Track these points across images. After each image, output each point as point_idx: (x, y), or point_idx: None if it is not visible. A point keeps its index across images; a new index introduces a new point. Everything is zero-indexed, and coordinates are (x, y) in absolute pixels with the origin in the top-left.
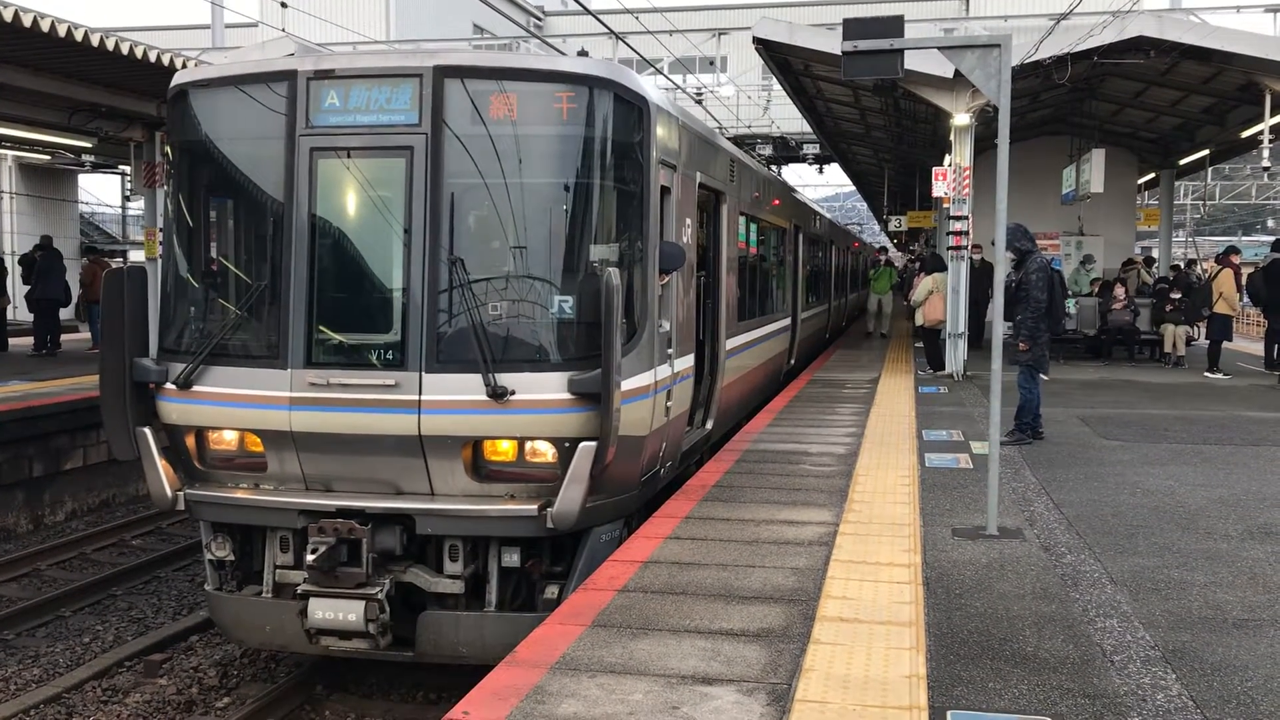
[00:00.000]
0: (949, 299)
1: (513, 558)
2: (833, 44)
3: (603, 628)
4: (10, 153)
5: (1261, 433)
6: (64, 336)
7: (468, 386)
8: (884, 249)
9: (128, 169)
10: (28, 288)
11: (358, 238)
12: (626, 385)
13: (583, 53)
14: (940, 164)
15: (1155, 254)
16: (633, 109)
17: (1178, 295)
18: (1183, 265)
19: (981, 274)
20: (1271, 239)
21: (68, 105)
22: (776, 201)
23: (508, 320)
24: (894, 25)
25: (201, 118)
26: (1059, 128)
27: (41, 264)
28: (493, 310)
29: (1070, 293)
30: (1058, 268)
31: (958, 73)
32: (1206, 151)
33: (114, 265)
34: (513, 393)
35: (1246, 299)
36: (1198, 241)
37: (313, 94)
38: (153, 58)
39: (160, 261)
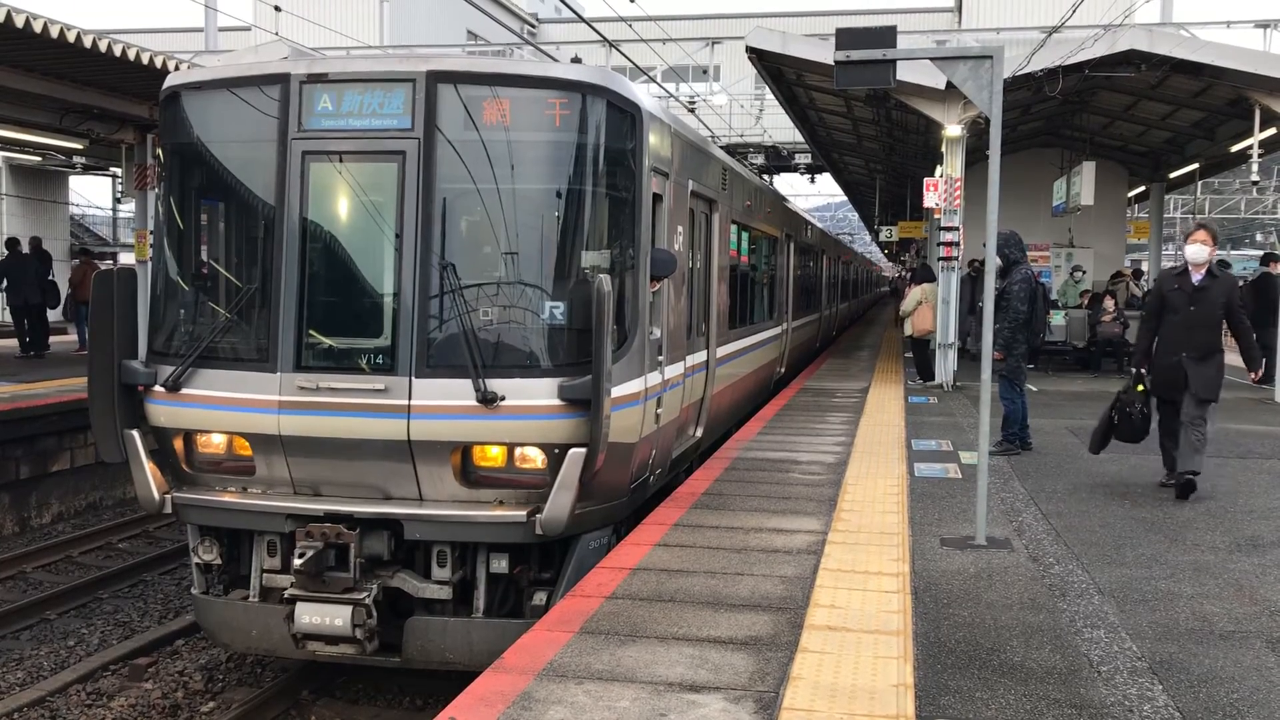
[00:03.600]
0: (939, 309)
1: (501, 564)
2: (826, 54)
3: (590, 634)
4: (0, 153)
5: (1248, 445)
6: (52, 338)
7: (457, 392)
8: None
9: (119, 171)
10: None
11: (349, 242)
12: (617, 392)
13: (576, 60)
14: (932, 175)
15: (1145, 267)
16: (625, 116)
17: None
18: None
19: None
20: (1260, 253)
21: (59, 107)
22: (768, 210)
23: (498, 326)
24: (887, 36)
25: (194, 120)
26: (1050, 140)
27: (13, 266)
28: (483, 316)
29: (1059, 305)
30: (1047, 279)
31: (950, 84)
32: (1196, 165)
33: (103, 267)
34: (503, 398)
35: None
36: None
37: (305, 97)
38: (145, 60)
39: (151, 263)
